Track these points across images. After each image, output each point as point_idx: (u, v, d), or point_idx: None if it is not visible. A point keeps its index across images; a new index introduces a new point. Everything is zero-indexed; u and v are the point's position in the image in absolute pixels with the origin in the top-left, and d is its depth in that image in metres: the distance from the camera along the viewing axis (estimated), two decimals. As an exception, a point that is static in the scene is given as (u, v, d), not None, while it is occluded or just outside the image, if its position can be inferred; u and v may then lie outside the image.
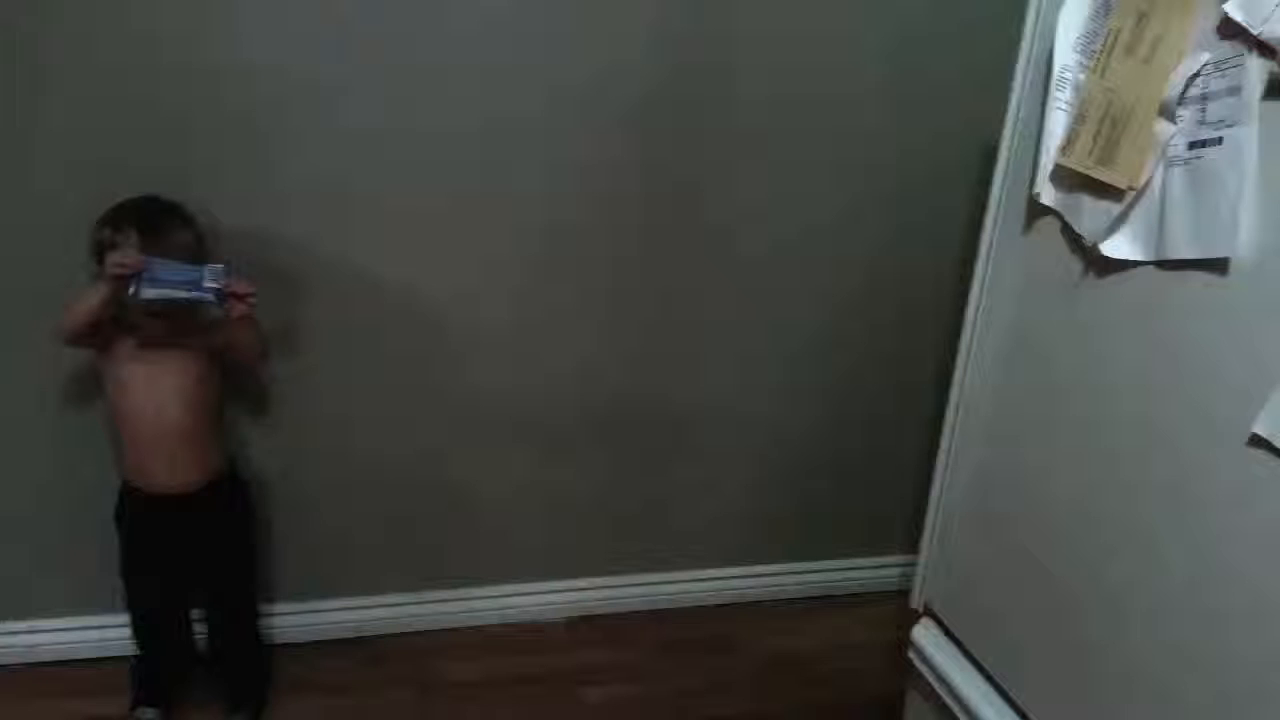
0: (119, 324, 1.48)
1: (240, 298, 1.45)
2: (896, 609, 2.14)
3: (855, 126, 1.88)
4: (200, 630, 1.75)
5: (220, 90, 1.56)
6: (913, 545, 1.86)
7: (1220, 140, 0.94)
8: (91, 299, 1.41)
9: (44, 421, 1.67)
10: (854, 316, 2.03)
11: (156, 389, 1.51)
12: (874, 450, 2.16)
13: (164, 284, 1.38)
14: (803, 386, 2.06)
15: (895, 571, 2.25)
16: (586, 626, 2.07)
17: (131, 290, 1.37)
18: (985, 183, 1.32)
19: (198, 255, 1.51)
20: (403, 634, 1.96)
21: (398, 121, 1.65)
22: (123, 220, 1.45)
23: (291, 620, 1.90)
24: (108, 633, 1.77)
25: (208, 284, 1.38)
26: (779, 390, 2.05)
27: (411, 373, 1.82)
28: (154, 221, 1.46)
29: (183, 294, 1.39)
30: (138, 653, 1.72)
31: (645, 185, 1.81)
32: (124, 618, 1.70)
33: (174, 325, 1.50)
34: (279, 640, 1.88)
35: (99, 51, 1.50)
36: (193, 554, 1.63)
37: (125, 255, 1.38)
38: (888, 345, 2.07)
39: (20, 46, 1.48)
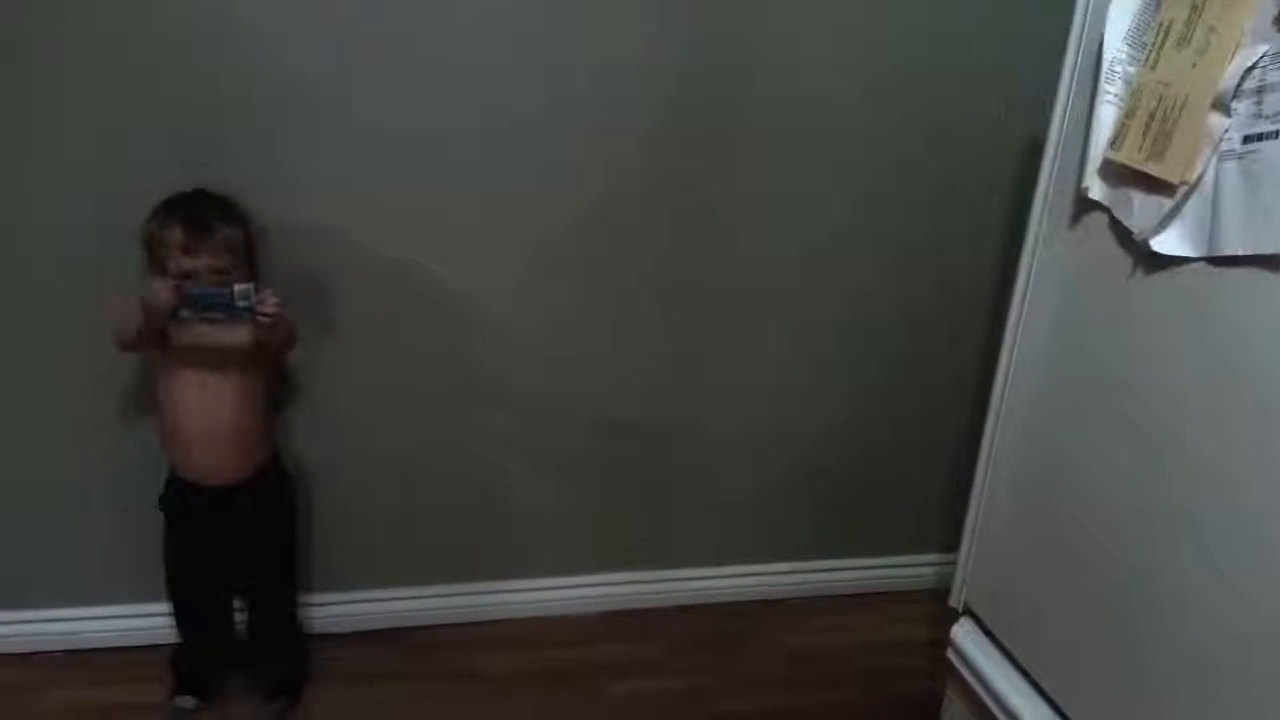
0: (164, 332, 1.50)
1: (266, 313, 1.45)
2: (930, 608, 2.13)
3: (889, 124, 1.86)
4: (240, 619, 1.77)
5: (222, 90, 1.57)
6: (948, 544, 1.86)
7: (1277, 134, 0.93)
8: (131, 323, 1.43)
9: (90, 412, 1.69)
10: (885, 314, 2.01)
11: (204, 388, 1.53)
12: (908, 449, 2.15)
13: (198, 308, 1.42)
14: (838, 386, 2.05)
15: (930, 570, 2.24)
16: (613, 621, 2.07)
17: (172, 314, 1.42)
18: (1028, 179, 1.31)
19: (246, 253, 1.53)
20: (435, 626, 1.97)
21: (411, 121, 1.65)
22: (170, 217, 1.47)
23: (328, 610, 1.92)
24: (148, 620, 1.79)
25: (239, 304, 1.42)
26: (813, 389, 2.04)
27: (444, 371, 1.82)
28: (200, 219, 1.47)
29: (219, 316, 1.43)
30: (178, 640, 1.74)
31: (673, 185, 1.81)
32: (164, 606, 1.71)
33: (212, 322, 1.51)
34: (315, 630, 1.90)
35: (99, 51, 1.51)
36: (235, 543, 1.65)
37: (157, 291, 1.39)
38: (922, 343, 2.05)
39: (22, 46, 1.49)
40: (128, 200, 1.50)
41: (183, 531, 1.63)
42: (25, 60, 1.50)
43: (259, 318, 1.44)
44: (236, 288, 1.42)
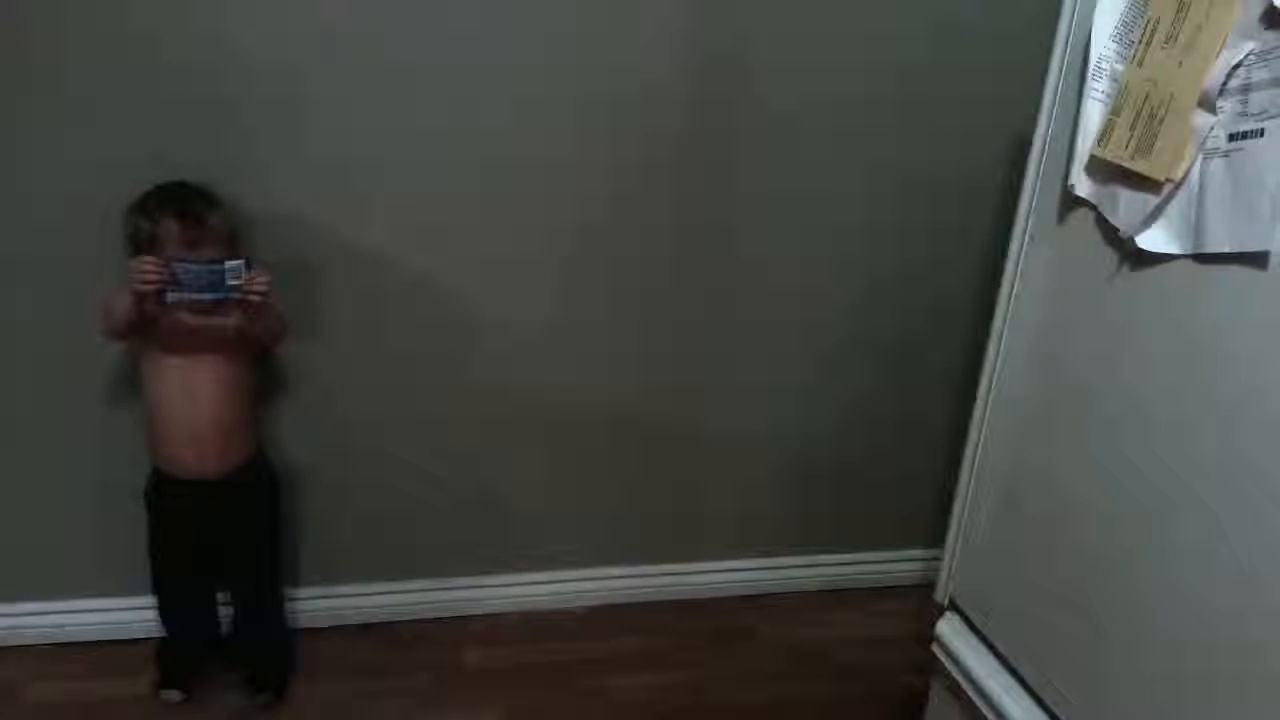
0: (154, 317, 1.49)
1: (257, 292, 1.44)
2: (920, 603, 2.14)
3: (884, 126, 1.87)
4: (225, 613, 1.76)
5: (222, 90, 1.56)
6: (937, 539, 1.85)
7: (1262, 132, 0.92)
8: (121, 306, 1.42)
9: (76, 407, 1.68)
10: (881, 315, 2.02)
11: (190, 378, 1.52)
12: (900, 445, 2.16)
13: (189, 287, 1.39)
14: (830, 384, 2.06)
15: (919, 565, 2.24)
16: (610, 615, 2.08)
17: (158, 295, 1.40)
18: (1016, 178, 1.31)
19: (233, 238, 1.52)
20: (427, 620, 1.98)
21: (424, 121, 1.66)
22: (162, 210, 1.46)
23: (316, 605, 1.91)
24: (134, 614, 1.79)
25: (230, 282, 1.40)
26: (806, 388, 2.05)
27: (440, 369, 1.83)
28: (194, 209, 1.47)
29: (208, 296, 1.41)
30: (163, 634, 1.73)
31: (673, 185, 1.81)
32: (150, 599, 1.71)
33: (198, 309, 1.49)
34: (303, 624, 1.90)
35: (100, 51, 1.51)
36: (220, 538, 1.65)
37: (147, 268, 1.38)
38: (915, 342, 2.06)
39: (33, 47, 1.49)
40: (124, 199, 1.49)
41: (167, 527, 1.63)
42: (25, 60, 1.49)
43: (250, 297, 1.43)
44: (228, 264, 1.40)
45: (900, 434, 2.15)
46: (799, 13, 1.75)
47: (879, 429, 2.13)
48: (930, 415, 2.12)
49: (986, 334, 1.38)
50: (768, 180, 1.85)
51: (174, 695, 1.69)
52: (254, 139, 1.60)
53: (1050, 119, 1.23)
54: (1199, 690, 1.00)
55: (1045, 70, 1.22)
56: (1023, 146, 1.30)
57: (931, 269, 2.00)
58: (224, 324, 1.51)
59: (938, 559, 1.51)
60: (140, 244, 1.46)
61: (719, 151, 1.81)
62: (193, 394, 1.53)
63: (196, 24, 1.52)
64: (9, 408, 1.67)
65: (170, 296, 1.39)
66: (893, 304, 2.02)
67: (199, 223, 1.46)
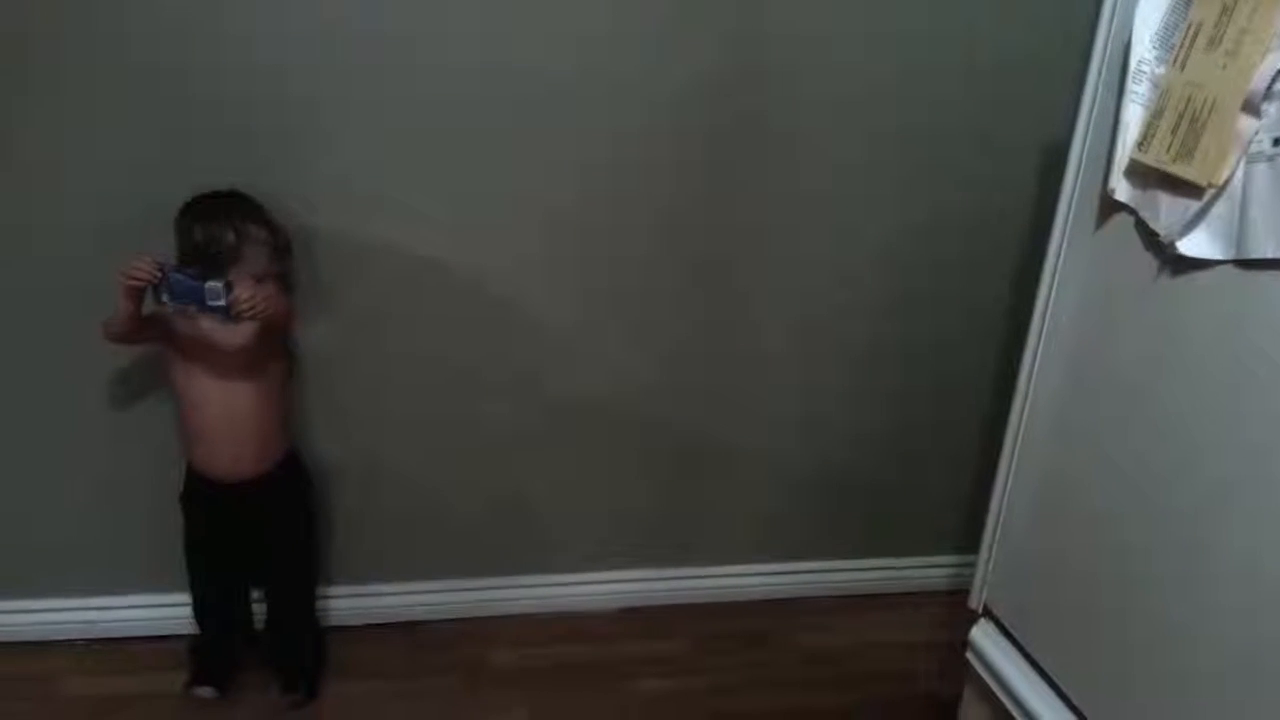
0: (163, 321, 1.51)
1: (241, 310, 1.43)
2: (945, 609, 2.13)
3: (919, 127, 1.85)
4: (258, 611, 1.78)
5: (238, 92, 1.57)
6: (966, 545, 1.85)
7: (1308, 136, 0.92)
8: (118, 308, 1.44)
9: (111, 407, 1.70)
10: (909, 316, 2.01)
11: (219, 380, 1.54)
12: (931, 450, 2.14)
13: (176, 296, 1.42)
14: (858, 387, 2.05)
15: (946, 572, 2.23)
16: (630, 618, 2.07)
17: (155, 296, 1.42)
18: (1053, 180, 1.30)
19: (281, 253, 1.54)
20: (452, 620, 1.98)
21: (438, 120, 1.66)
22: (204, 222, 1.47)
23: (346, 604, 1.93)
24: (168, 610, 1.81)
25: (210, 303, 1.41)
26: (831, 391, 2.04)
27: (465, 371, 1.83)
28: (258, 218, 1.50)
29: (194, 308, 1.43)
30: (196, 631, 1.75)
31: (701, 186, 1.81)
32: (184, 596, 1.73)
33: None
34: (333, 623, 1.91)
35: (113, 52, 1.52)
36: (254, 538, 1.66)
37: (138, 264, 1.40)
38: (948, 347, 2.04)
39: (34, 48, 1.50)
40: (138, 199, 1.52)
41: (203, 527, 1.65)
42: (27, 61, 1.50)
43: (240, 317, 1.43)
44: (208, 285, 1.41)
45: (931, 438, 2.13)
46: (835, 14, 1.74)
47: (910, 433, 2.11)
48: (962, 419, 2.10)
49: (1020, 338, 1.37)
50: (800, 182, 1.84)
51: (207, 692, 1.70)
52: (258, 140, 1.60)
53: (1089, 123, 1.22)
54: (1248, 700, 0.99)
55: (1084, 73, 1.22)
56: (1058, 147, 1.29)
57: (971, 272, 1.98)
58: (242, 329, 1.52)
59: (967, 565, 1.50)
60: (185, 253, 1.48)
61: (751, 153, 1.80)
62: (225, 398, 1.55)
63: (196, 24, 1.53)
64: (45, 405, 1.69)
65: (164, 297, 1.42)
66: (923, 309, 2.00)
67: (240, 236, 1.47)
